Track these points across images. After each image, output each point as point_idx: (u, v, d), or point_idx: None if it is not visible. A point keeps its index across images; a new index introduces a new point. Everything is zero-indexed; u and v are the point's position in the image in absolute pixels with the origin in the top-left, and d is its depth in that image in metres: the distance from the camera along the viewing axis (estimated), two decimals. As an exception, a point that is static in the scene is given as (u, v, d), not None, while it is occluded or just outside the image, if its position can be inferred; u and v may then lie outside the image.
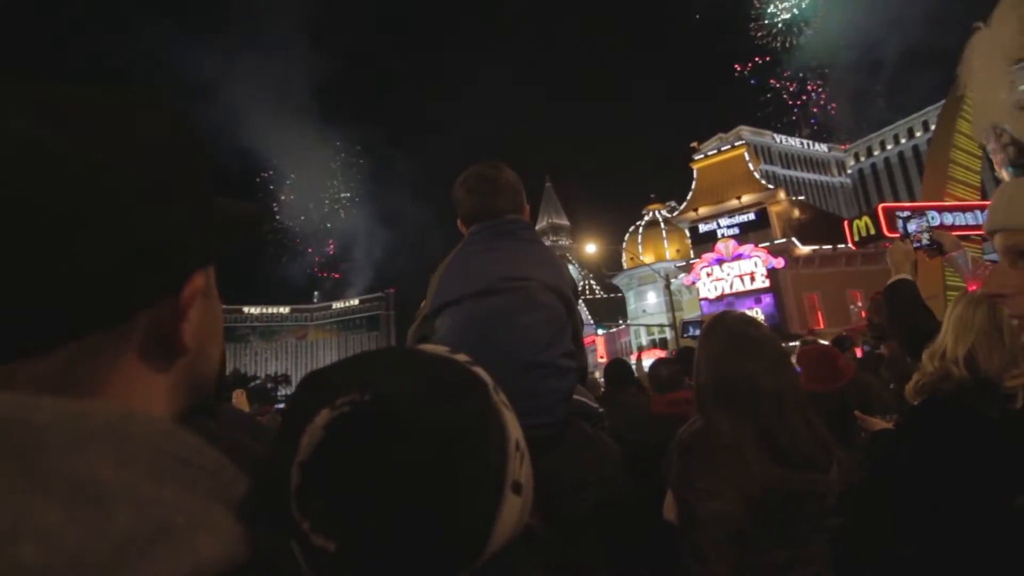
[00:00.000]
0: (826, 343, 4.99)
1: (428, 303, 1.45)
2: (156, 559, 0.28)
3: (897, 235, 2.32)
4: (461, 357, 0.49)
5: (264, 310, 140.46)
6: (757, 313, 27.09)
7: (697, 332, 2.67)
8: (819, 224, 29.78)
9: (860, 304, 25.28)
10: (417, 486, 0.39)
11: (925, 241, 2.18)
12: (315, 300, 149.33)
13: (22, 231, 0.30)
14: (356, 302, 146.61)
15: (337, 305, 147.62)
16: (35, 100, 0.33)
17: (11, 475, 0.27)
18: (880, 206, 18.76)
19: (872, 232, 17.13)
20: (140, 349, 0.37)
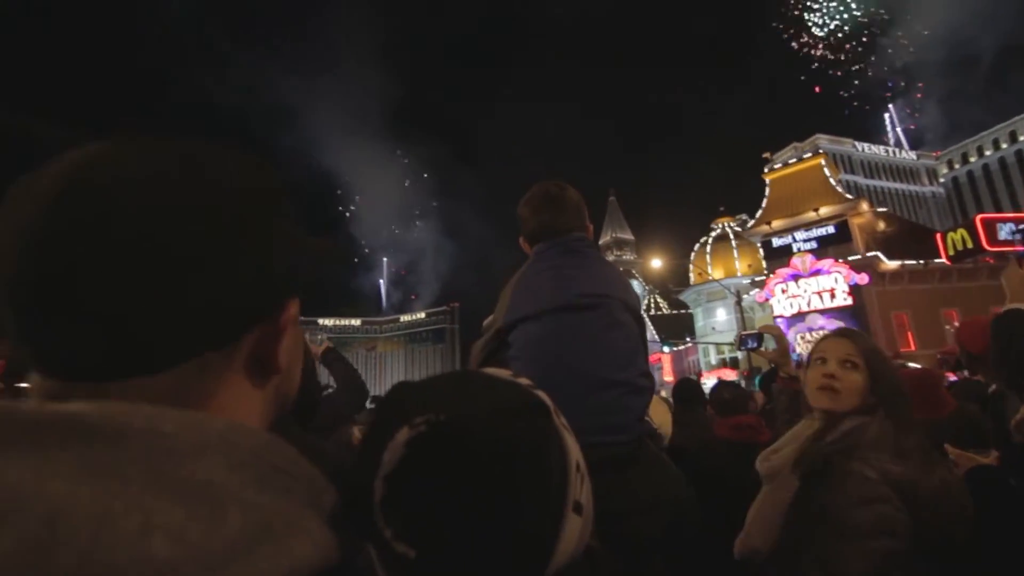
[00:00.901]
0: (917, 366, 4.63)
1: (499, 317, 1.46)
2: (260, 557, 0.32)
3: (999, 248, 2.06)
4: (524, 380, 0.53)
5: (337, 322, 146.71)
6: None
7: (755, 345, 2.42)
8: (907, 237, 27.74)
9: (957, 324, 23.16)
10: (484, 502, 0.42)
11: None
12: (383, 312, 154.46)
13: (154, 266, 0.35)
14: (423, 315, 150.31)
15: (405, 318, 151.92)
16: (165, 153, 0.39)
17: (142, 477, 0.31)
18: (978, 217, 17.18)
19: (969, 246, 15.72)
20: (242, 368, 0.42)
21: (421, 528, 0.42)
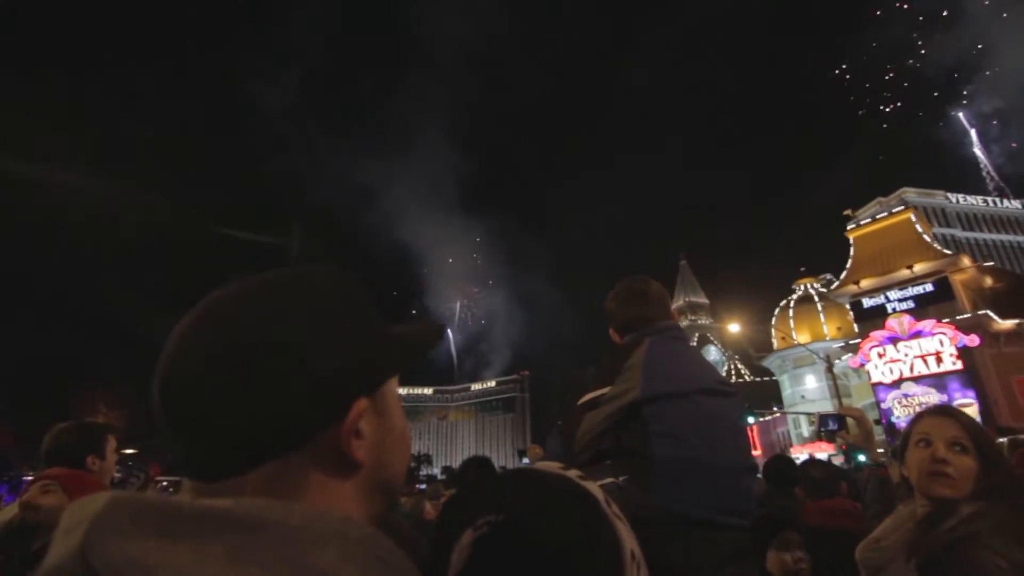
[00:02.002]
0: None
1: (632, 390, 1.44)
2: None
3: None
4: (573, 473, 0.57)
5: (410, 391, 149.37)
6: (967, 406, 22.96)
7: (836, 427, 2.21)
8: (1021, 292, 25.10)
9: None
10: None
11: None
12: (455, 380, 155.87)
13: (254, 396, 0.45)
14: (493, 384, 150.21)
15: (475, 387, 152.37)
16: (270, 295, 0.50)
17: (276, 563, 0.39)
18: (1108, 269, 15.41)
19: (1100, 301, 13.97)
20: (323, 464, 0.48)
21: None
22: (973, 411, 22.29)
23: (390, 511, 0.56)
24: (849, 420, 1.96)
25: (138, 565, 0.36)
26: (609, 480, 1.16)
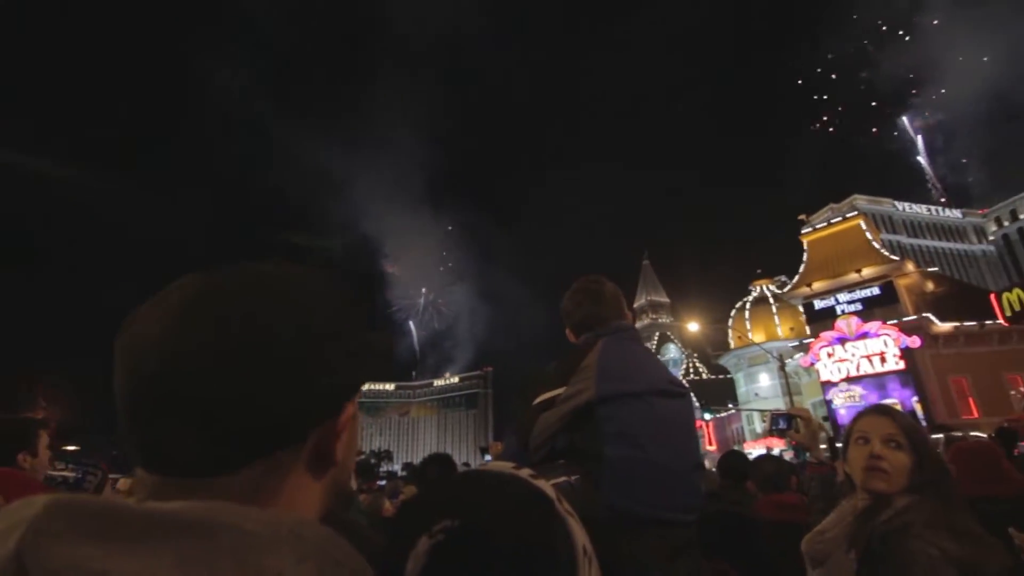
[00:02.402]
0: (982, 436, 4.30)
1: (586, 391, 1.46)
2: None
3: None
4: (524, 472, 0.57)
5: (371, 387, 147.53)
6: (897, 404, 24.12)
7: (785, 426, 2.29)
8: (960, 298, 26.60)
9: (1023, 390, 21.60)
10: None
11: None
12: (417, 376, 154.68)
13: (246, 383, 0.44)
14: (456, 380, 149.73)
15: (438, 383, 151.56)
16: (262, 283, 0.49)
17: (229, 568, 0.37)
18: (1035, 277, 16.47)
19: (1028, 306, 14.95)
20: (306, 463, 0.48)
21: None
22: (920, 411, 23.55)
23: (342, 509, 0.56)
24: (797, 420, 2.03)
25: (81, 572, 0.34)
26: (562, 479, 1.16)
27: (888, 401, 24.11)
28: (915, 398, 23.91)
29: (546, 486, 0.56)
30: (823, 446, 2.16)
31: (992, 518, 1.97)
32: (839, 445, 1.60)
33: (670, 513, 1.35)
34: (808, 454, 2.33)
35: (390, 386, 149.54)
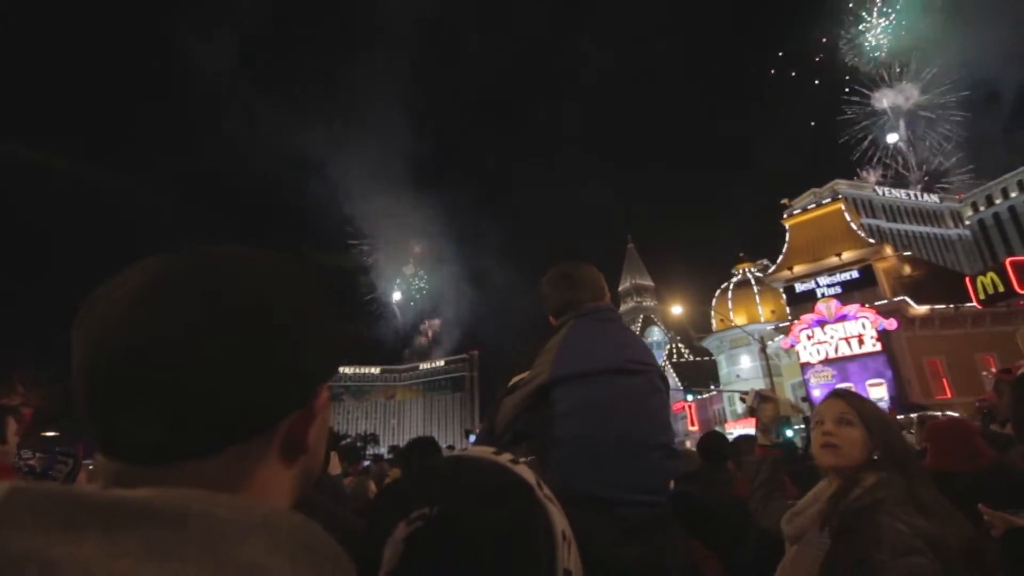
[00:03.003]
0: (954, 415, 4.41)
1: (542, 373, 1.49)
2: None
3: None
4: (504, 458, 0.57)
5: (356, 370, 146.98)
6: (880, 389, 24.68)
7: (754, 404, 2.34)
8: (936, 281, 27.17)
9: (994, 370, 22.25)
10: None
11: None
12: (403, 359, 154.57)
13: (213, 366, 0.42)
14: (442, 363, 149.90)
15: (424, 366, 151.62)
16: (225, 266, 0.47)
17: (199, 557, 0.36)
18: (1008, 260, 16.83)
19: (1000, 290, 15.33)
20: (279, 449, 0.47)
21: None
22: (882, 390, 24.18)
23: (308, 494, 0.55)
24: (765, 404, 2.10)
25: (39, 560, 0.33)
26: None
27: (873, 381, 24.70)
28: (887, 379, 24.51)
29: (526, 471, 0.56)
30: (799, 425, 2.22)
31: (965, 491, 2.04)
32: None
33: (623, 492, 1.33)
34: (790, 431, 2.39)
35: (376, 369, 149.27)
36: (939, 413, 11.81)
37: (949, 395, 23.56)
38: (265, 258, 0.51)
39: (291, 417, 0.48)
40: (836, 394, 1.59)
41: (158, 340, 0.42)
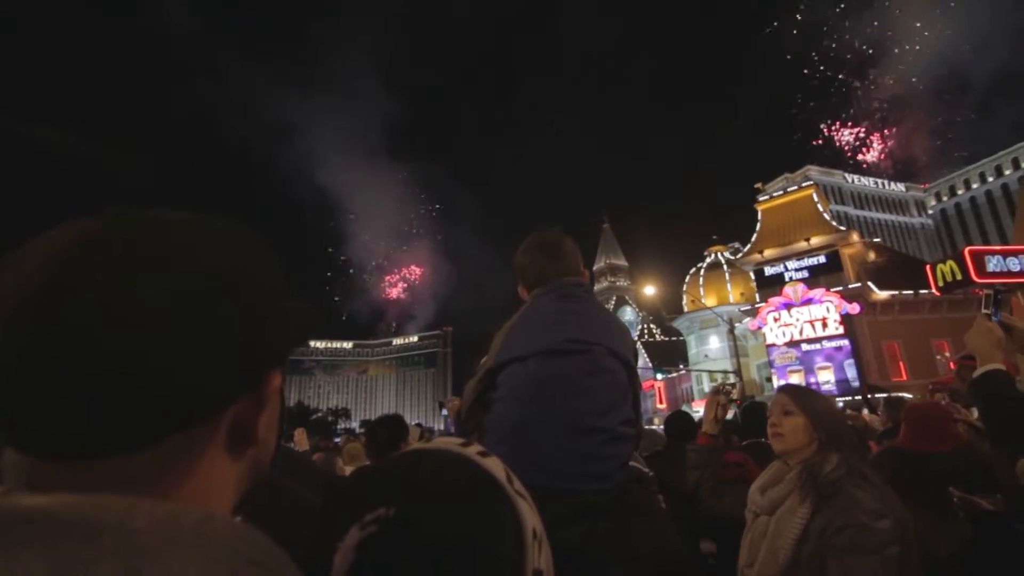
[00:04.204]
0: (907, 395, 4.57)
1: (490, 358, 1.45)
2: None
3: (988, 280, 2.04)
4: (472, 450, 0.52)
5: (329, 344, 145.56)
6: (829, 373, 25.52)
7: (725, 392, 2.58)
8: (898, 268, 28.03)
9: (948, 355, 23.21)
10: None
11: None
12: (376, 334, 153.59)
13: (138, 349, 0.35)
14: (415, 339, 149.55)
15: (397, 341, 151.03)
16: (150, 236, 0.39)
17: None
18: (967, 249, 17.39)
19: (958, 278, 15.85)
20: (222, 441, 0.41)
21: None
22: (829, 373, 25.15)
23: (258, 488, 0.49)
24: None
25: None
26: None
27: (822, 364, 25.54)
28: (835, 363, 25.39)
29: (495, 465, 0.52)
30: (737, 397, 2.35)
31: (938, 472, 2.11)
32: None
33: (552, 478, 1.24)
34: (711, 424, 2.54)
35: (348, 344, 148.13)
36: (909, 396, 12.26)
37: (905, 378, 24.54)
38: (210, 223, 0.43)
39: (239, 404, 0.41)
40: (782, 389, 1.84)
41: (78, 314, 0.35)
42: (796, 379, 25.51)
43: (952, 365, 3.05)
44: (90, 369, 0.34)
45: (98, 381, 0.35)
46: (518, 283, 1.66)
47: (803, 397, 1.77)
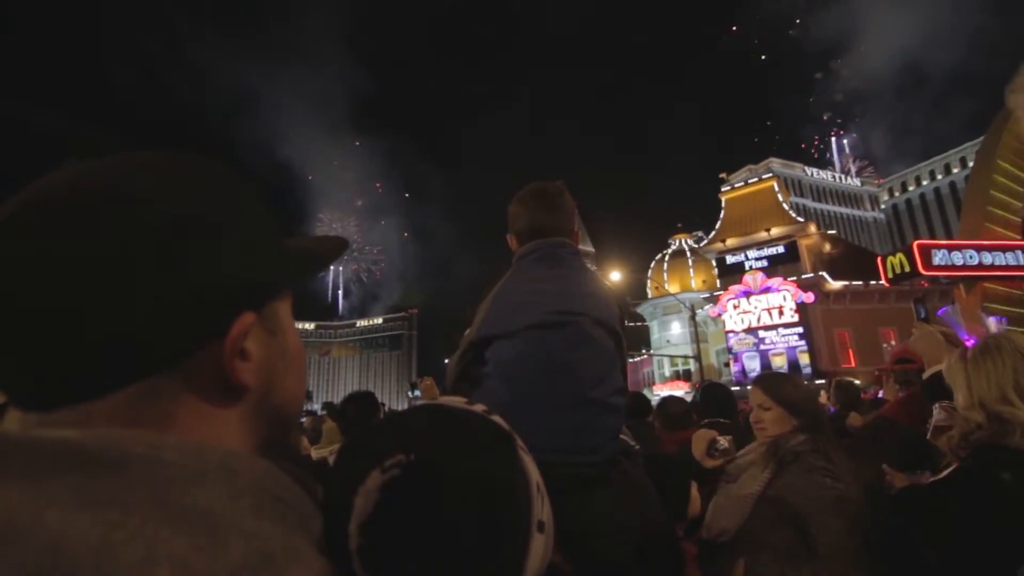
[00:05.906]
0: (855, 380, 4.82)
1: (473, 331, 1.42)
2: None
3: (934, 273, 2.23)
4: (478, 407, 0.54)
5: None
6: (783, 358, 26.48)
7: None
8: (851, 259, 29.14)
9: (893, 343, 24.42)
10: (462, 535, 0.44)
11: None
12: (339, 316, 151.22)
13: (82, 287, 0.34)
14: (380, 321, 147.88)
15: (361, 323, 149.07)
16: (107, 175, 0.38)
17: (144, 505, 0.31)
18: (915, 243, 18.28)
19: (907, 269, 16.67)
20: (201, 388, 0.39)
21: (399, 570, 0.43)
22: (782, 359, 26.20)
23: (284, 440, 0.49)
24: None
25: None
26: None
27: (776, 352, 26.50)
28: (801, 347, 26.44)
29: (503, 422, 0.53)
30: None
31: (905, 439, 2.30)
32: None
33: (543, 453, 1.19)
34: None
35: (310, 325, 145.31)
36: (857, 381, 12.82)
37: (853, 364, 25.70)
38: (158, 155, 0.41)
39: (207, 350, 0.39)
40: (755, 382, 1.98)
41: (27, 249, 0.34)
42: (753, 365, 26.49)
43: (890, 367, 3.30)
44: (13, 320, 0.33)
45: (34, 331, 0.33)
46: (509, 232, 1.58)
47: (774, 388, 1.90)
